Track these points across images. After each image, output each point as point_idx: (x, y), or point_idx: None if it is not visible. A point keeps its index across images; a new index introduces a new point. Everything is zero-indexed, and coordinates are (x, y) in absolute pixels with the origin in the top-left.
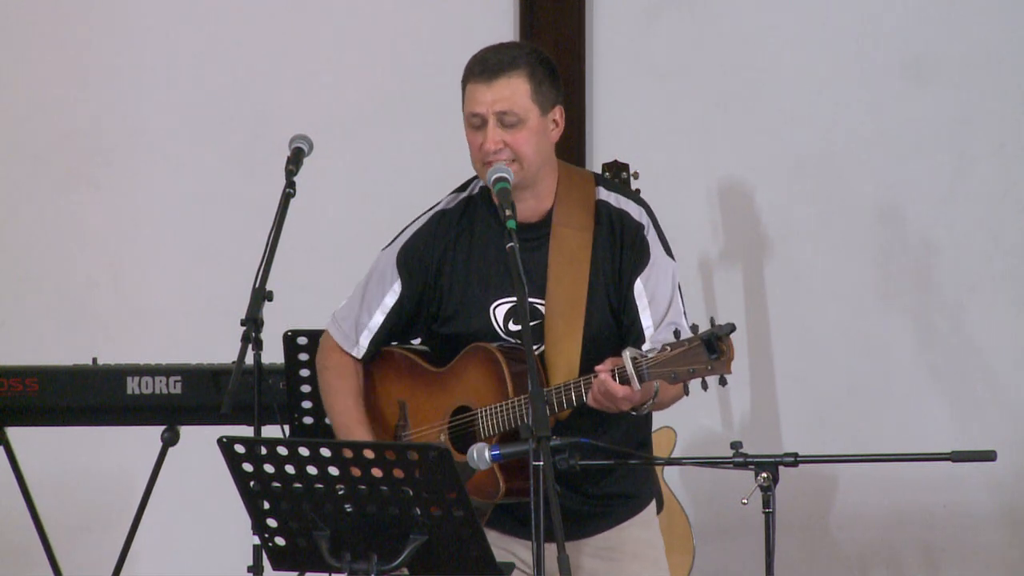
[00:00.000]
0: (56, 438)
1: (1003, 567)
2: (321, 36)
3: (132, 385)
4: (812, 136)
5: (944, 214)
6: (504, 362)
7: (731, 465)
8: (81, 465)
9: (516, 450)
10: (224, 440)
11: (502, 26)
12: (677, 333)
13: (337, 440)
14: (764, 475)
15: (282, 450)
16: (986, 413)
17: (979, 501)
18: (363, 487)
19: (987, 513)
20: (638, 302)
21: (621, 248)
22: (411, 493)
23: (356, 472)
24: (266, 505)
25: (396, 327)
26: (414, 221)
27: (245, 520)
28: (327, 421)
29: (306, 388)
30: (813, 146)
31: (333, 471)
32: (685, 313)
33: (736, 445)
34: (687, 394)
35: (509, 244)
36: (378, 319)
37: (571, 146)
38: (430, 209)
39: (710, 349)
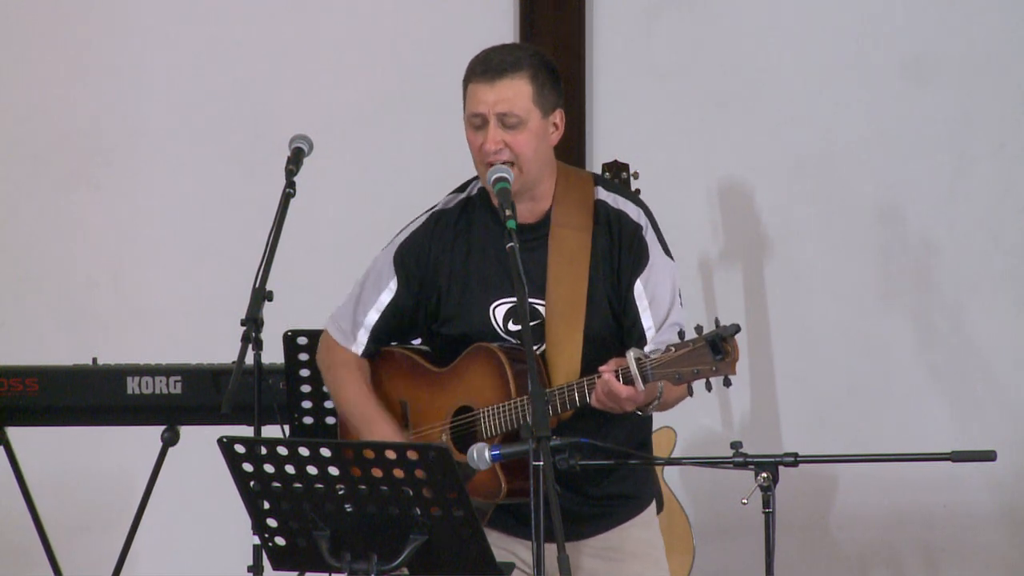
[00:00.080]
0: (56, 438)
1: (1003, 567)
2: (321, 36)
3: (132, 385)
4: (812, 136)
5: (944, 214)
6: (506, 362)
7: (731, 465)
8: (81, 465)
9: (516, 450)
10: (224, 440)
11: (502, 26)
12: (681, 334)
13: (337, 440)
14: (764, 475)
15: (282, 450)
16: (986, 413)
17: (979, 501)
18: (363, 487)
19: (987, 513)
20: (638, 303)
21: (619, 249)
22: (411, 493)
23: (356, 472)
24: (266, 505)
25: (393, 326)
26: (412, 221)
27: (245, 520)
28: (328, 421)
29: (306, 388)
30: (813, 146)
31: (333, 471)
32: (683, 315)
33: (736, 445)
34: (691, 395)
35: (509, 244)
36: (373, 317)
37: (571, 146)
38: (428, 210)
39: (715, 350)
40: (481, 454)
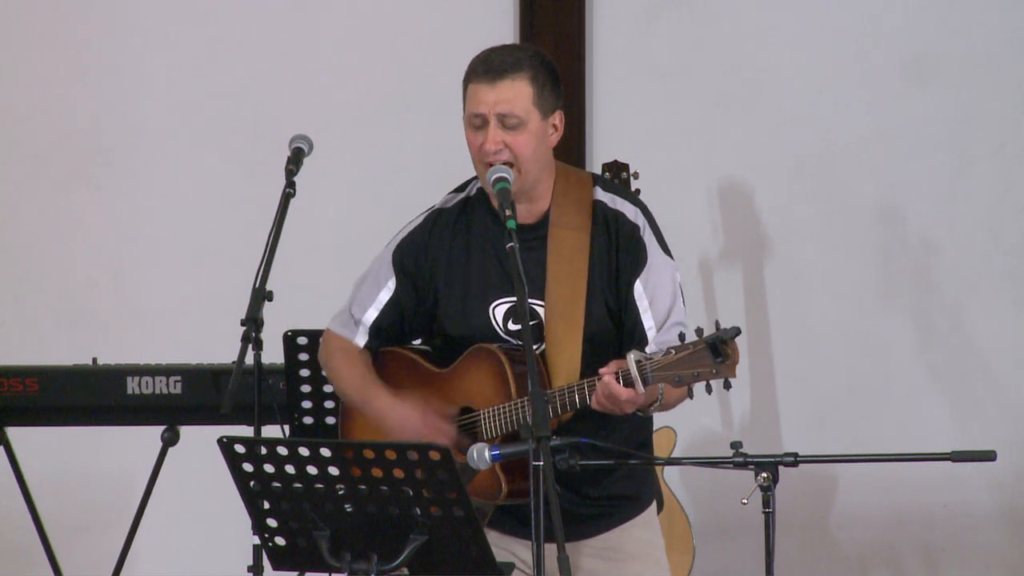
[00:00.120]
0: (56, 438)
1: (1003, 567)
2: (321, 36)
3: (132, 385)
4: (812, 136)
5: (944, 214)
6: (507, 363)
7: (731, 465)
8: (81, 465)
9: (516, 450)
10: (224, 440)
11: (502, 26)
12: (682, 336)
13: (337, 440)
14: (764, 475)
15: (282, 450)
16: (986, 413)
17: (979, 501)
18: (363, 487)
19: (987, 513)
20: (639, 304)
21: (617, 249)
22: (411, 493)
23: (356, 472)
24: (266, 505)
25: (393, 325)
26: (411, 220)
27: (245, 520)
28: (328, 421)
29: (306, 388)
30: (813, 146)
31: (333, 471)
32: (686, 313)
33: (736, 445)
34: (691, 397)
35: (509, 244)
36: (372, 315)
37: (571, 146)
38: (427, 209)
39: (715, 353)
40: (481, 454)
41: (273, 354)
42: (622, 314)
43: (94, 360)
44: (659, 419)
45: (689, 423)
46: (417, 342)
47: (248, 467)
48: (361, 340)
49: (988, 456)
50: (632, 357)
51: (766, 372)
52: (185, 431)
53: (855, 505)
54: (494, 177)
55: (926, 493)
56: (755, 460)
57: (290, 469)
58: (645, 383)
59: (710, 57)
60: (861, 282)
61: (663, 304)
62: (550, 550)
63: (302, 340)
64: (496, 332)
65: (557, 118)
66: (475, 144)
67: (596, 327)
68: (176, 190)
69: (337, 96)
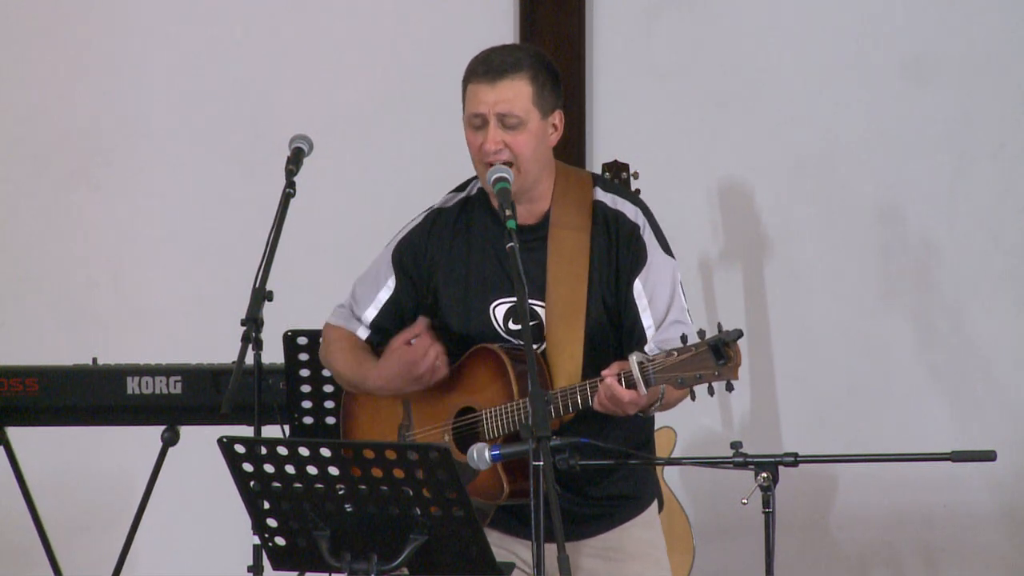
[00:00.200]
0: (56, 438)
1: (1003, 567)
2: (321, 36)
3: (132, 385)
4: (812, 136)
5: (944, 214)
6: (509, 363)
7: (731, 465)
8: (81, 465)
9: (516, 450)
10: (224, 440)
11: (502, 26)
12: (684, 338)
13: (337, 440)
14: (764, 475)
15: (282, 450)
16: (986, 413)
17: (979, 501)
18: (363, 487)
19: (987, 513)
20: (638, 303)
21: (617, 249)
22: (411, 493)
23: (356, 472)
24: (266, 505)
25: (392, 324)
26: (411, 220)
27: (245, 520)
28: (328, 421)
29: (306, 388)
30: (813, 146)
31: (333, 471)
32: (688, 311)
33: (736, 445)
34: (692, 398)
35: (509, 244)
36: (371, 314)
37: (571, 146)
38: (427, 208)
39: (717, 355)
40: (481, 454)
41: (273, 354)
42: (621, 313)
43: (94, 360)
44: (659, 419)
45: (689, 423)
46: None
47: (248, 467)
48: (362, 334)
49: (988, 456)
50: (634, 359)
51: (766, 372)
52: (185, 431)
53: (855, 505)
54: (494, 177)
55: (926, 493)
56: (755, 460)
57: (290, 469)
58: (647, 385)
59: (710, 57)
60: (861, 282)
61: (662, 303)
62: (550, 550)
63: (302, 340)
64: (497, 332)
65: (557, 118)
66: (475, 144)
67: (596, 327)
68: (176, 190)
69: (337, 96)
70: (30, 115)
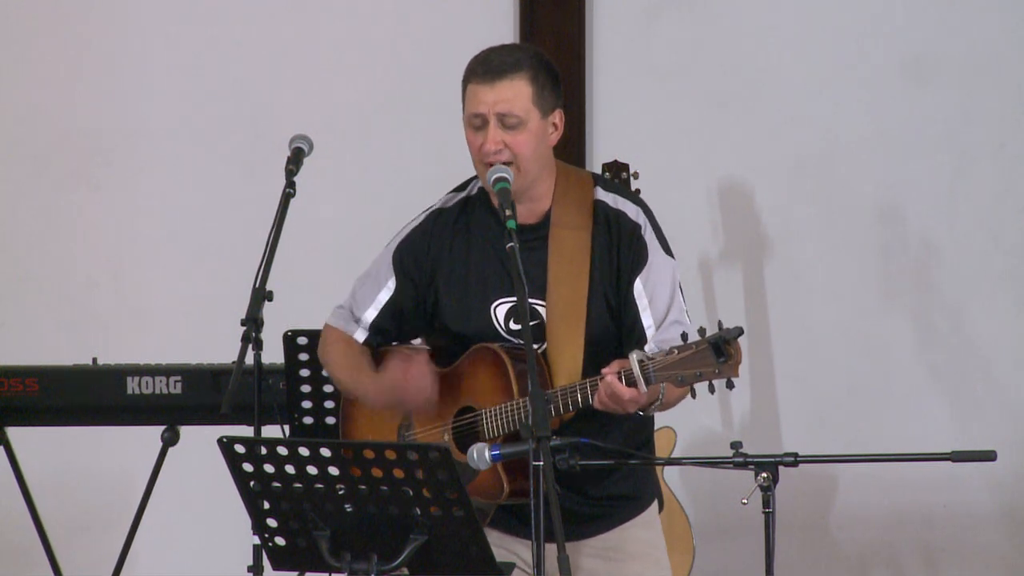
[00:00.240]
0: (56, 438)
1: (1003, 567)
2: (321, 36)
3: (132, 385)
4: (812, 136)
5: (944, 214)
6: (509, 363)
7: (731, 465)
8: (81, 465)
9: (516, 450)
10: (224, 440)
11: (502, 26)
12: (684, 336)
13: (337, 440)
14: (764, 475)
15: (282, 450)
16: (986, 413)
17: (979, 501)
18: (363, 487)
19: (987, 513)
20: (638, 302)
21: (618, 248)
22: (411, 493)
23: (356, 472)
24: (266, 505)
25: (392, 324)
26: (412, 220)
27: (245, 520)
28: (327, 421)
29: (306, 388)
30: (813, 146)
31: (333, 471)
32: (687, 311)
33: (736, 445)
34: (693, 397)
35: (509, 244)
36: (371, 315)
37: (571, 146)
38: (428, 208)
39: (717, 352)
40: (481, 454)
41: (273, 354)
42: (622, 313)
43: (94, 360)
44: (659, 419)
45: (689, 423)
46: (417, 341)
47: (248, 467)
48: (360, 336)
49: (988, 456)
50: (635, 357)
51: (766, 372)
52: (185, 431)
53: (855, 505)
54: (494, 177)
55: (926, 493)
56: (755, 460)
57: (290, 469)
58: (647, 383)
59: (710, 57)
60: (861, 282)
61: (662, 303)
62: (550, 550)
63: (302, 340)
64: (497, 332)
65: (557, 117)
66: (475, 144)
67: (598, 327)
68: (176, 190)
69: (337, 96)
70: (30, 115)
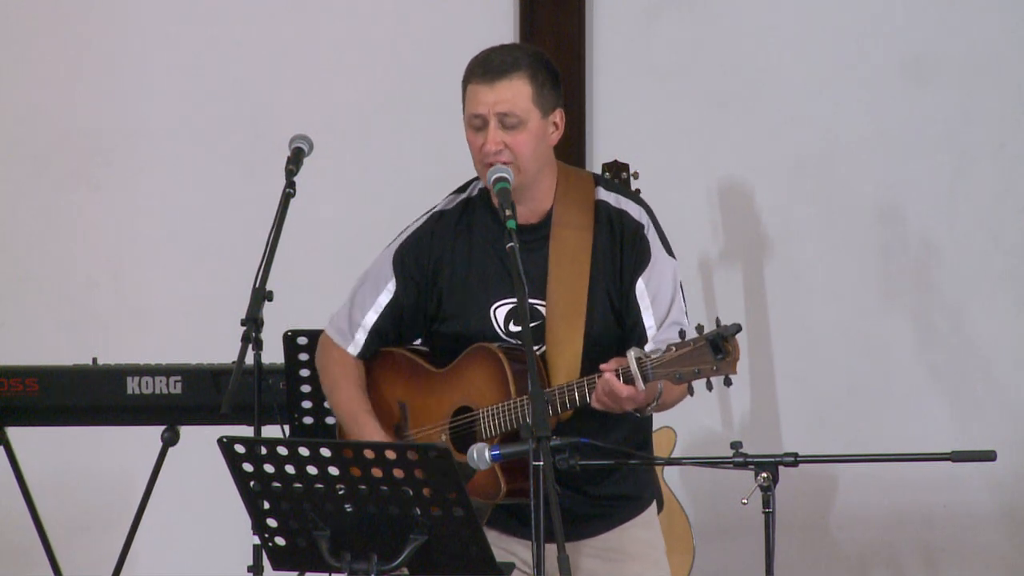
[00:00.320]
0: (56, 438)
1: (1003, 567)
2: (321, 36)
3: (132, 385)
4: (812, 136)
5: (944, 214)
6: (506, 362)
7: (731, 465)
8: (81, 465)
9: (516, 450)
10: (224, 440)
11: (502, 26)
12: (682, 333)
13: (337, 440)
14: (764, 475)
15: (282, 450)
16: (986, 413)
17: (979, 501)
18: (363, 487)
19: (987, 513)
20: (640, 302)
21: (621, 248)
22: (411, 493)
23: (356, 472)
24: (266, 505)
25: (392, 327)
26: (413, 222)
27: (245, 520)
28: (328, 421)
29: (306, 388)
30: (813, 146)
31: (333, 471)
32: (687, 312)
33: (736, 445)
34: (691, 394)
35: (509, 244)
36: (371, 318)
37: (571, 146)
38: (429, 210)
39: (716, 349)
40: (481, 454)
41: (273, 354)
42: (624, 313)
43: (94, 360)
44: (659, 419)
45: (689, 423)
46: (416, 342)
47: (248, 467)
48: (356, 348)
49: (988, 456)
50: (632, 354)
51: (766, 372)
52: (185, 431)
53: (855, 505)
54: (494, 177)
55: (926, 493)
56: (755, 460)
57: (290, 469)
58: (645, 380)
59: (710, 57)
60: (861, 282)
61: (664, 303)
62: (550, 550)
63: (302, 340)
64: (497, 334)
65: (557, 116)
66: (475, 145)
67: (598, 327)
68: (176, 190)
69: (337, 96)
70: (30, 115)
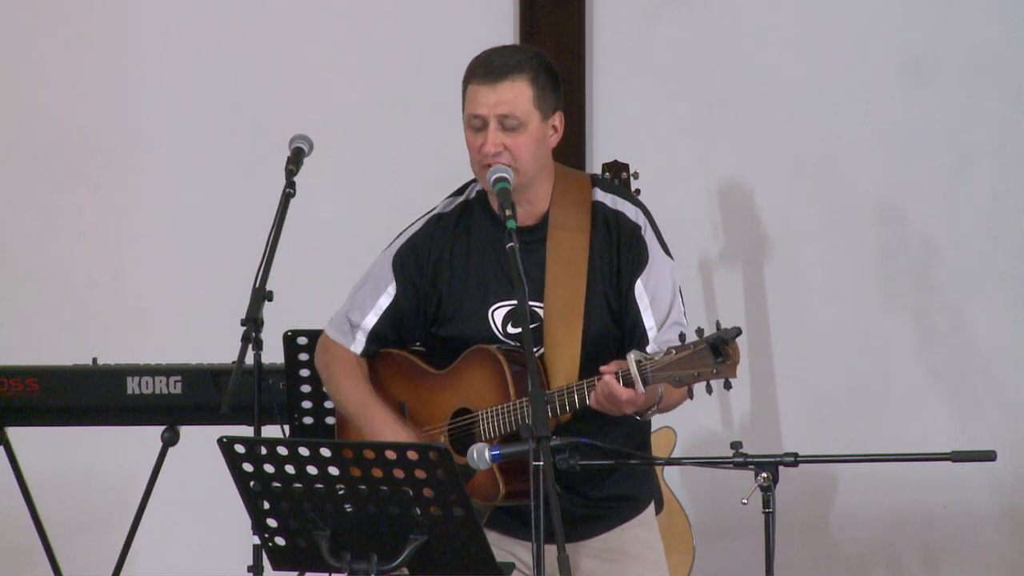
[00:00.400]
0: (56, 438)
1: (1003, 567)
2: (321, 36)
3: (132, 385)
4: (812, 136)
5: (944, 214)
6: (505, 364)
7: (731, 465)
8: (81, 465)
9: (516, 450)
10: (224, 440)
11: (502, 26)
12: (682, 336)
13: (337, 440)
14: (764, 475)
15: (282, 450)
16: (986, 413)
17: (979, 501)
18: (363, 487)
19: (987, 513)
20: (639, 303)
21: (618, 249)
22: (411, 493)
23: (356, 472)
24: (266, 505)
25: (392, 329)
26: (411, 224)
27: (245, 520)
28: (327, 421)
29: (306, 388)
30: (813, 146)
31: (333, 471)
32: (685, 312)
33: (736, 445)
34: (691, 397)
35: (509, 244)
36: (371, 320)
37: (571, 146)
38: (427, 213)
39: (716, 353)
40: (481, 454)
41: (273, 354)
42: (622, 314)
43: (94, 360)
44: (659, 419)
45: (689, 423)
46: (416, 344)
47: (248, 467)
48: (358, 348)
49: (988, 456)
50: (632, 357)
51: (766, 372)
52: (185, 431)
53: (855, 505)
54: (494, 177)
55: (926, 493)
56: (755, 460)
57: (290, 469)
58: (645, 383)
59: (710, 57)
60: (861, 282)
61: (663, 303)
62: (550, 551)
63: (302, 340)
64: (495, 335)
65: (557, 119)
66: (475, 145)
67: (596, 328)
68: (176, 190)
69: (337, 96)
70: (30, 115)
